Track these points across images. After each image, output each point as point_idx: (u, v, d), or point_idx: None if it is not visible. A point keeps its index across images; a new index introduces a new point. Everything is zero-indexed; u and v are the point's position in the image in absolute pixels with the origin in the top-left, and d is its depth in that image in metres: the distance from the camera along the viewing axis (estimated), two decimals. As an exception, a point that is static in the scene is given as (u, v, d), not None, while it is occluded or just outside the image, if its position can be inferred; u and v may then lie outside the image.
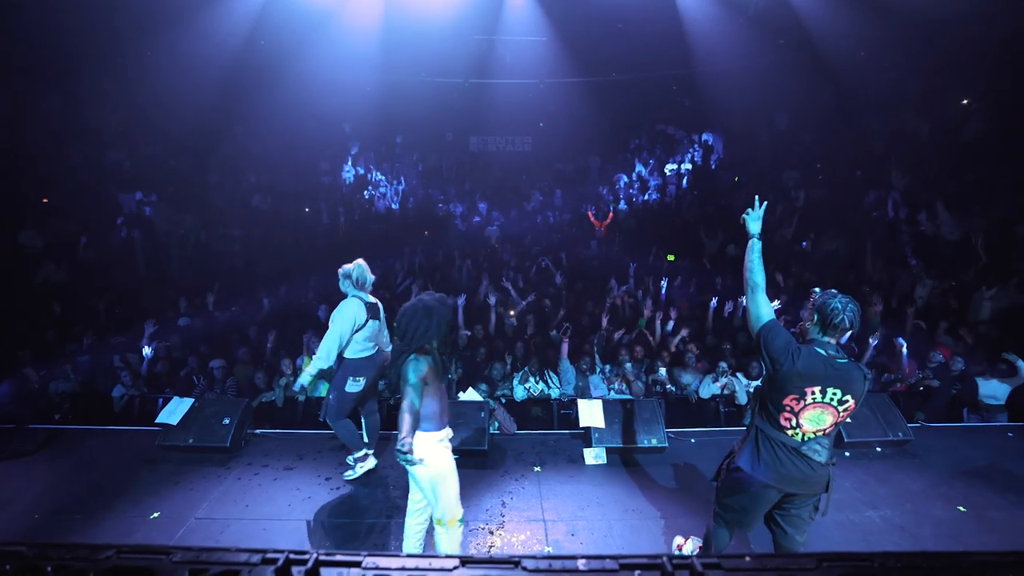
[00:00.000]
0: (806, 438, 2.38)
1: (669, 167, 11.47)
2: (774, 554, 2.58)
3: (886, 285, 7.23)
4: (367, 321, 3.85)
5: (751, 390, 5.26)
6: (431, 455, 2.60)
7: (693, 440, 4.77)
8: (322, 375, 4.19)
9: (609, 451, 4.44)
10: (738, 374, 5.48)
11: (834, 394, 2.31)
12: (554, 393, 5.53)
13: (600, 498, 3.85)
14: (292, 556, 0.75)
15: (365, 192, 10.94)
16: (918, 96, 9.44)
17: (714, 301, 6.53)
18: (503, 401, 5.29)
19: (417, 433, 2.53)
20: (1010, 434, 4.85)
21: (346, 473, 4.08)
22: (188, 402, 4.79)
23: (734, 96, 10.48)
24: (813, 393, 2.31)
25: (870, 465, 4.29)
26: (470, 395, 5.07)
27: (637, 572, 0.74)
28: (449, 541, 2.73)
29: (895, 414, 4.65)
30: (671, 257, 8.56)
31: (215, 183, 9.92)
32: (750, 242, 2.55)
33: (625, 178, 11.38)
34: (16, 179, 8.32)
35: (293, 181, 10.51)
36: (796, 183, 9.68)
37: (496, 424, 4.91)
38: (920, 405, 5.43)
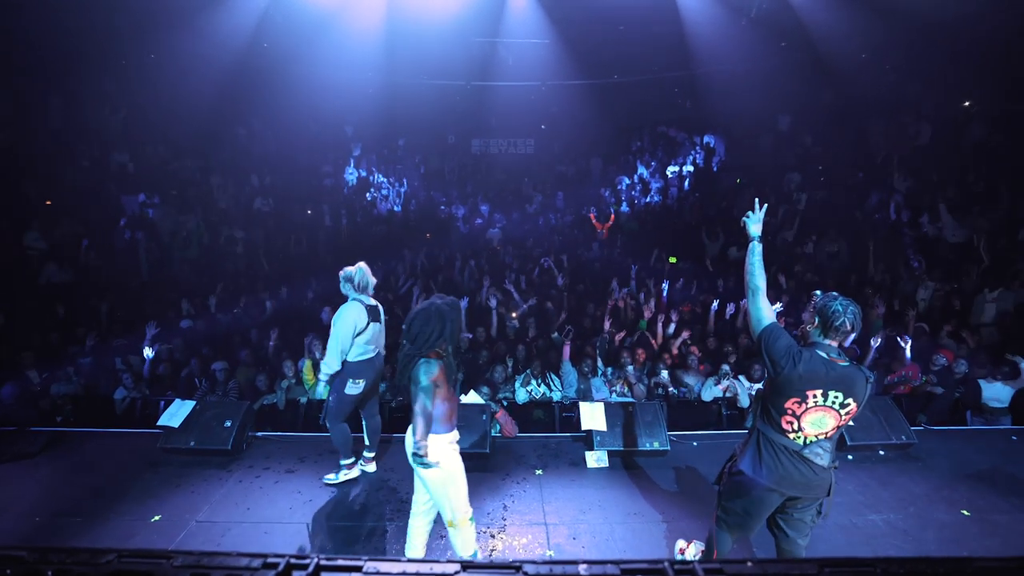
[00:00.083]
0: (808, 441, 2.37)
1: (671, 169, 11.45)
2: (776, 559, 2.58)
3: (888, 287, 7.22)
4: (368, 324, 3.86)
5: (753, 393, 5.24)
6: (444, 457, 2.61)
7: (695, 443, 4.74)
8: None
9: (611, 454, 4.43)
10: (740, 377, 5.46)
11: (836, 397, 2.30)
12: (556, 396, 5.52)
13: (602, 501, 3.84)
14: (293, 561, 0.75)
15: (367, 194, 10.95)
16: (920, 98, 9.44)
17: (716, 303, 6.52)
18: (505, 404, 5.28)
19: (430, 436, 2.54)
20: (1014, 437, 4.82)
21: (328, 476, 4.07)
22: (190, 404, 4.78)
23: (736, 98, 10.46)
24: (815, 396, 2.31)
25: (873, 468, 4.27)
26: (472, 398, 5.06)
27: (639, 577, 0.74)
28: (463, 541, 2.73)
29: (898, 417, 4.63)
30: (674, 260, 8.55)
31: (218, 185, 9.95)
32: (751, 245, 2.55)
33: (627, 180, 11.37)
34: (17, 180, 8.34)
35: (295, 183, 10.54)
36: (798, 185, 9.68)
37: (498, 427, 4.91)
38: (923, 408, 5.42)
